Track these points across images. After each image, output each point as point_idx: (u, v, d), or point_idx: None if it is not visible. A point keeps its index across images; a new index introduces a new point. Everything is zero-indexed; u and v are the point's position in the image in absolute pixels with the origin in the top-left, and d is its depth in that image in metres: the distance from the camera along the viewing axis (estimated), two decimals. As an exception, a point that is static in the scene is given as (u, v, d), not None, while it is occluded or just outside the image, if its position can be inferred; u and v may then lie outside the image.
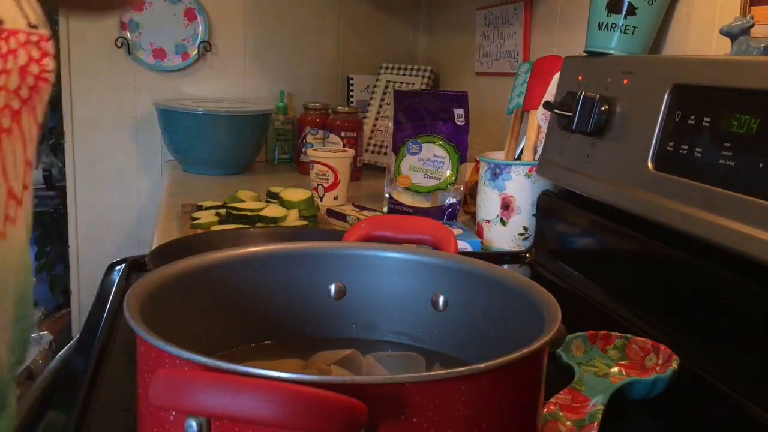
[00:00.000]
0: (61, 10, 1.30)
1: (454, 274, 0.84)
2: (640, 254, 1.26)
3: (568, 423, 0.87)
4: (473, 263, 0.83)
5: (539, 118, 1.69)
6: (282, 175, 2.69)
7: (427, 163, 1.87)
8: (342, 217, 1.84)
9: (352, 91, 3.04)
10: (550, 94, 1.63)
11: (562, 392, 0.93)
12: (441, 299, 0.85)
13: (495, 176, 1.65)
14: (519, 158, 1.75)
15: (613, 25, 1.39)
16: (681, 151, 1.12)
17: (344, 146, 2.46)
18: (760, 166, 0.96)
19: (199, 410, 0.48)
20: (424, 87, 2.82)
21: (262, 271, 0.84)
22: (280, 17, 2.97)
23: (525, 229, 1.66)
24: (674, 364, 0.98)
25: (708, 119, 1.07)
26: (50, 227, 4.37)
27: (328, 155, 2.11)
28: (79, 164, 2.91)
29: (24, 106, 0.65)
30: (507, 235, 1.67)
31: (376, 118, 2.83)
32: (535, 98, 1.70)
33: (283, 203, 1.79)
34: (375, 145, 2.79)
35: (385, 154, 2.68)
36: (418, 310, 0.86)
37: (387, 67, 2.95)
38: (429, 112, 1.87)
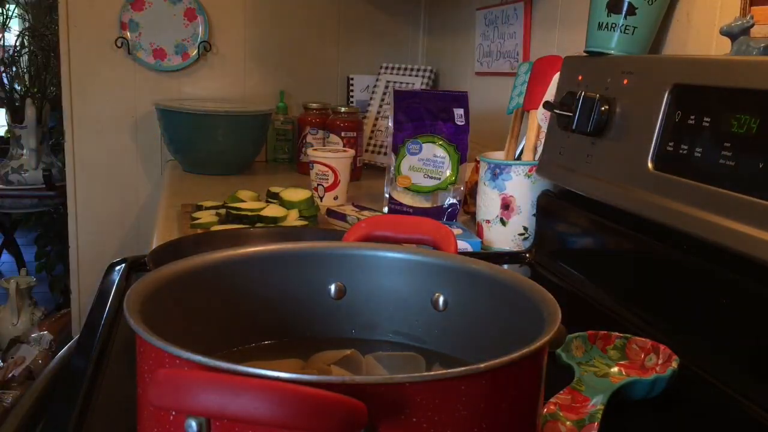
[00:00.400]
0: None
1: (454, 274, 0.84)
2: (640, 254, 1.26)
3: (568, 423, 0.87)
4: (473, 263, 0.83)
5: (539, 118, 1.69)
6: (282, 175, 2.69)
7: (427, 163, 1.87)
8: (342, 217, 1.84)
9: (352, 91, 3.04)
10: (550, 94, 1.63)
11: (562, 392, 0.93)
12: (441, 299, 0.85)
13: (495, 176, 1.65)
14: (519, 158, 1.75)
15: (613, 25, 1.39)
16: (681, 151, 1.12)
17: (344, 146, 2.46)
18: (760, 166, 0.96)
19: (199, 410, 0.48)
20: (424, 87, 2.82)
21: (262, 271, 0.84)
22: (280, 17, 2.97)
23: (525, 229, 1.66)
24: (674, 364, 0.98)
25: (708, 119, 1.07)
26: (50, 227, 4.38)
27: (328, 155, 2.11)
28: (79, 164, 2.91)
29: None
30: (507, 235, 1.67)
31: (376, 118, 2.83)
32: (535, 98, 1.70)
33: (283, 203, 1.79)
34: (375, 145, 2.79)
35: (385, 154, 2.68)
36: (418, 310, 0.86)
37: (387, 67, 2.95)
38: (429, 112, 1.87)
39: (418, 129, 1.87)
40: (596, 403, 0.90)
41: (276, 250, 0.85)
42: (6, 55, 4.24)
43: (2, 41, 4.53)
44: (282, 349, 0.85)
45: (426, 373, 0.56)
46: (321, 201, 2.09)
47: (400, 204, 1.89)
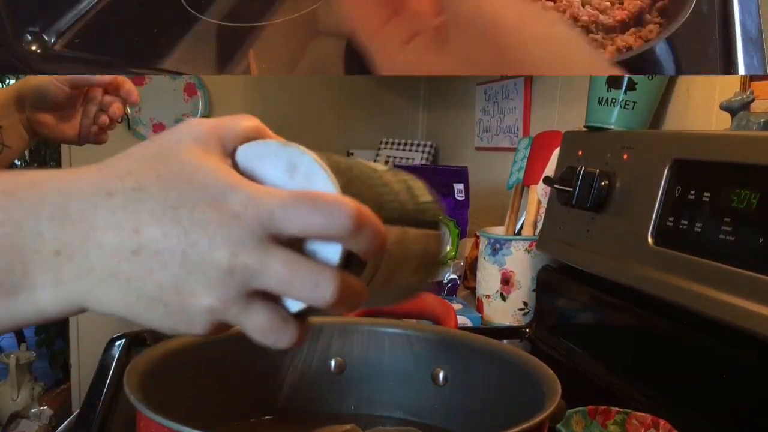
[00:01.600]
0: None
1: (454, 349, 0.84)
2: (640, 329, 1.26)
3: (570, 501, 0.86)
4: (473, 338, 0.83)
5: (539, 193, 1.69)
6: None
7: (428, 238, 1.86)
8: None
9: (353, 165, 3.05)
10: (550, 169, 1.64)
11: (564, 469, 0.93)
12: (441, 374, 0.85)
13: (495, 251, 1.65)
14: (519, 233, 1.75)
15: (613, 100, 1.40)
16: (681, 226, 1.12)
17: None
18: (761, 241, 0.96)
19: (197, 486, 0.47)
20: (424, 162, 2.84)
21: (261, 346, 0.84)
22: (280, 93, 2.98)
23: (525, 304, 1.65)
24: (676, 441, 0.97)
25: (708, 194, 1.07)
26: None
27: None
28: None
29: None
30: (507, 310, 1.67)
31: (377, 193, 2.83)
32: (535, 173, 1.70)
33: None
34: (376, 219, 2.78)
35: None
36: (418, 384, 0.86)
37: (387, 142, 2.97)
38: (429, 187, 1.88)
39: (418, 203, 1.87)
40: (599, 481, 0.89)
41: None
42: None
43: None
44: (282, 424, 0.85)
45: (426, 450, 0.55)
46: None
47: (401, 278, 1.89)
